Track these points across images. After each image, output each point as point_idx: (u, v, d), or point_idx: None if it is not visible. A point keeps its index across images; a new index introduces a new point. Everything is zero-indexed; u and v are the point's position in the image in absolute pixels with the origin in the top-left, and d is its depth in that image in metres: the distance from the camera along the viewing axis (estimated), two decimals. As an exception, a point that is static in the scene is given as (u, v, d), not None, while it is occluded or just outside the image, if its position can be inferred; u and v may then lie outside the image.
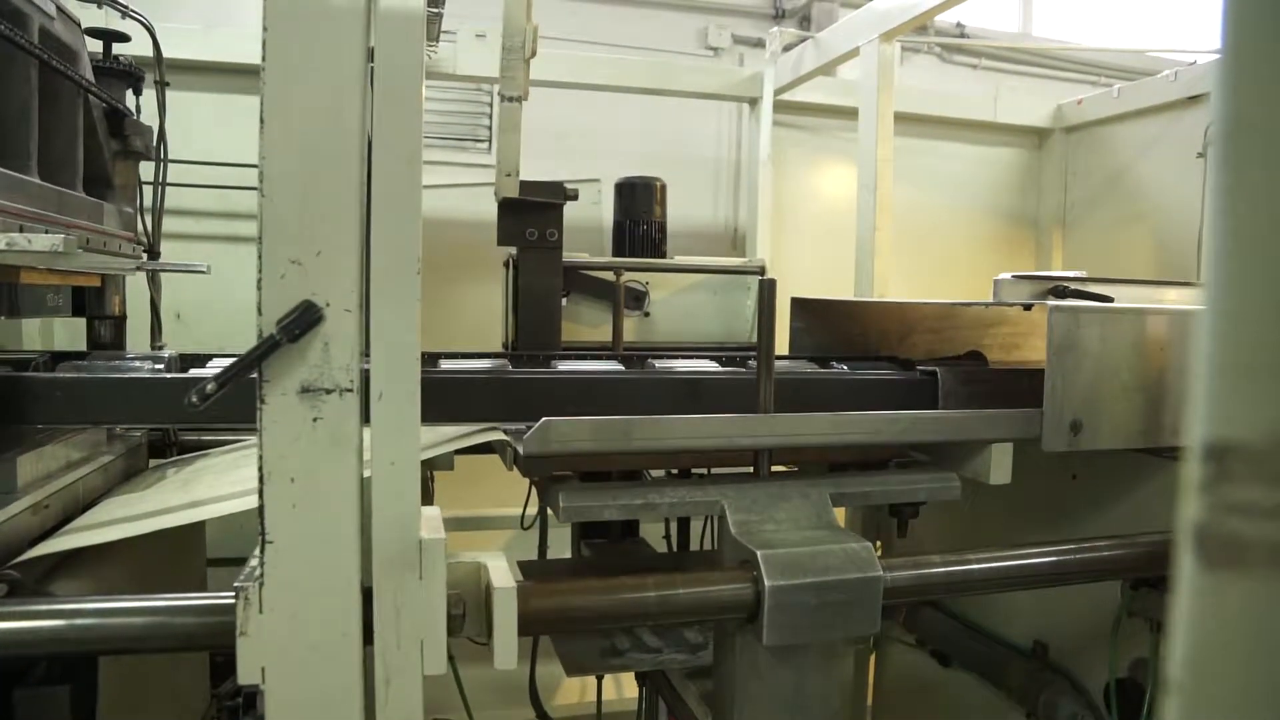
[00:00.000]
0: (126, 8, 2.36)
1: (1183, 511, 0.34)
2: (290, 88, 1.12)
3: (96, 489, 1.97)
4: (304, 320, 1.12)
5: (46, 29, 1.89)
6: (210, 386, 1.12)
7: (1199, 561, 0.33)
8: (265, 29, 1.11)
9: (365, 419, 1.18)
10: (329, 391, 1.15)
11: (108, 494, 2.01)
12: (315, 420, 1.15)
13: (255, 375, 1.13)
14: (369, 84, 1.14)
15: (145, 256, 2.48)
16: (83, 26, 2.17)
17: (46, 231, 1.66)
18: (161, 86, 2.46)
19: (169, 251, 2.76)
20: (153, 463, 2.36)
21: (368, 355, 1.18)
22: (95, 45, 2.31)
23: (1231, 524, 0.32)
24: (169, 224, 2.82)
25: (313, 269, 1.13)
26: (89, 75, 2.13)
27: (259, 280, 1.13)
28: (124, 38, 2.35)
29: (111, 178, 2.27)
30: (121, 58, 2.34)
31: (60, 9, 1.96)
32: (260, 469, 1.14)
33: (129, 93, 2.40)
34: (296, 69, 1.12)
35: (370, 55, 1.15)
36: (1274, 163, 0.32)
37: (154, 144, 2.43)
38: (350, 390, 1.16)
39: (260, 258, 1.13)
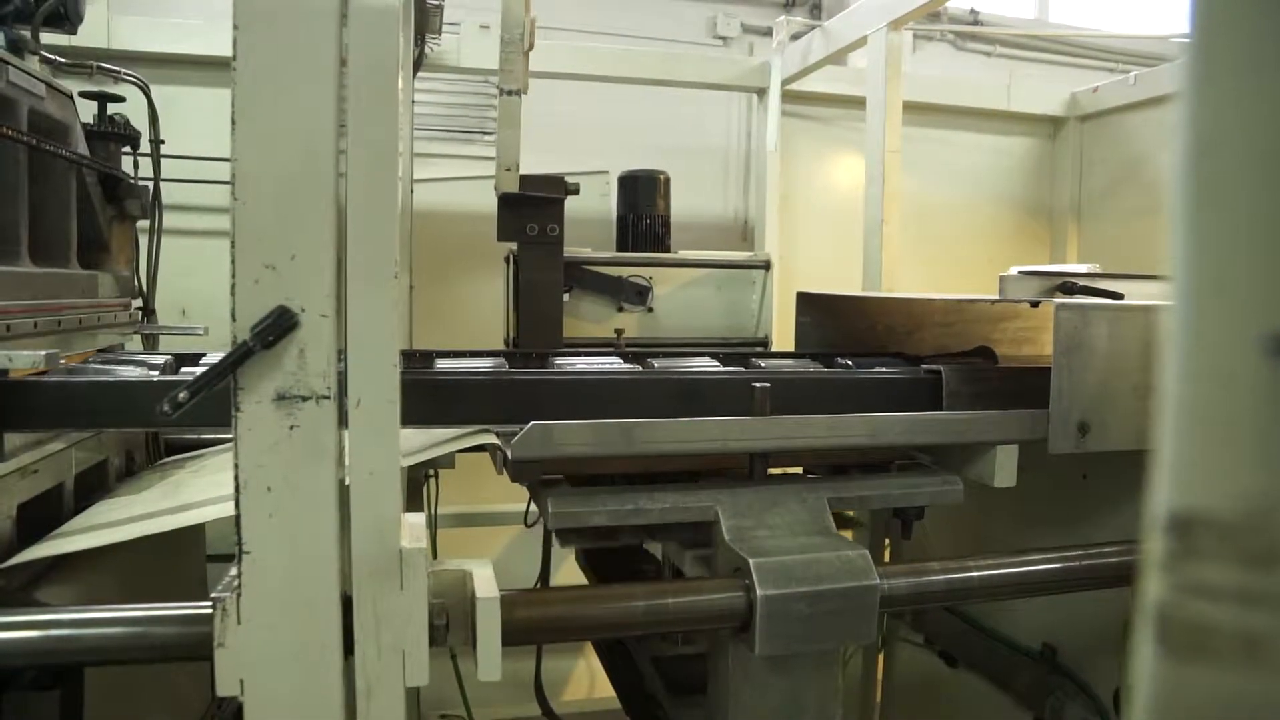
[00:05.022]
0: (119, 72, 2.36)
1: (1144, 590, 0.29)
2: (262, 87, 1.09)
3: (89, 460, 1.95)
4: (278, 326, 1.10)
5: (36, 109, 1.86)
6: (183, 395, 1.10)
7: (1161, 648, 0.29)
8: (236, 27, 1.09)
9: (345, 424, 1.16)
10: (305, 399, 1.12)
11: (105, 492, 2.00)
12: (292, 428, 1.12)
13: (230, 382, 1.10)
14: (344, 82, 1.11)
15: (140, 314, 2.45)
16: (76, 92, 2.12)
17: (35, 324, 1.69)
18: (156, 144, 2.45)
19: (174, 247, 2.73)
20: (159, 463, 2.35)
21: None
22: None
23: (1197, 608, 0.28)
24: (174, 220, 2.79)
25: (287, 273, 1.11)
26: (82, 145, 2.10)
27: (232, 286, 1.10)
28: (118, 99, 2.31)
29: (108, 242, 2.24)
30: (116, 117, 2.30)
31: (50, 85, 1.92)
32: (236, 478, 1.12)
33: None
34: (269, 68, 1.09)
35: (345, 52, 1.11)
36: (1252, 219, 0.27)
37: (150, 203, 2.39)
38: (327, 397, 1.13)
39: (233, 262, 1.10)
